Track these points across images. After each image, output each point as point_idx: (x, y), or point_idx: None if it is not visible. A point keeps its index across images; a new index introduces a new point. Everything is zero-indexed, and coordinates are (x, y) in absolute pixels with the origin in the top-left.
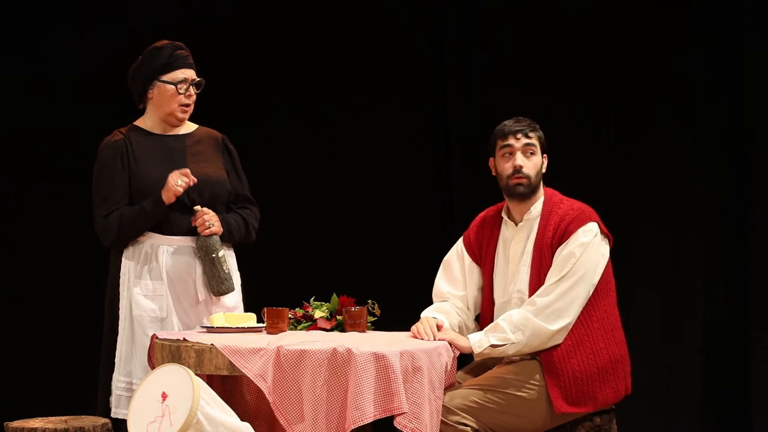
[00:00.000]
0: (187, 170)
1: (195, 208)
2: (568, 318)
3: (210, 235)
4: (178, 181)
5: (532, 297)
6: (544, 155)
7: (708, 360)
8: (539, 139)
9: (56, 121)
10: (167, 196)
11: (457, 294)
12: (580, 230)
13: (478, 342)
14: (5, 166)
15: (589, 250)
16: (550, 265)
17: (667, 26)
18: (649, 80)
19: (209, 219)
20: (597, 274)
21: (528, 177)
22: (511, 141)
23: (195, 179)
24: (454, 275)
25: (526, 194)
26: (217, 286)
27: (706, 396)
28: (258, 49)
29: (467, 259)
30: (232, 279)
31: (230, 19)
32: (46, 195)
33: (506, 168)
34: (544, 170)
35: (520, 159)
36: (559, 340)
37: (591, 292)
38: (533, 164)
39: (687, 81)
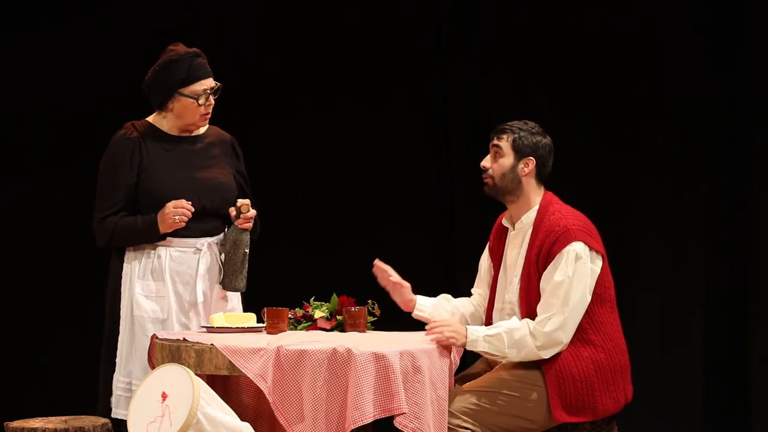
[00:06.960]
0: (184, 202)
1: (240, 201)
2: (561, 345)
3: (245, 231)
4: (176, 217)
5: (536, 325)
6: (526, 159)
7: (708, 359)
8: (513, 142)
9: (53, 121)
10: (163, 228)
11: (481, 293)
12: (564, 251)
13: (474, 342)
14: (2, 166)
15: (577, 276)
16: (537, 282)
17: (667, 26)
18: (650, 80)
19: (253, 216)
20: (589, 293)
21: (492, 178)
22: (491, 142)
23: (192, 209)
24: (482, 275)
25: (494, 195)
26: (235, 282)
27: (706, 395)
28: (257, 50)
29: (488, 261)
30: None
31: (229, 21)
32: (46, 194)
33: None
34: (524, 174)
35: (485, 160)
36: (546, 357)
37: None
38: (498, 165)
39: (687, 80)
